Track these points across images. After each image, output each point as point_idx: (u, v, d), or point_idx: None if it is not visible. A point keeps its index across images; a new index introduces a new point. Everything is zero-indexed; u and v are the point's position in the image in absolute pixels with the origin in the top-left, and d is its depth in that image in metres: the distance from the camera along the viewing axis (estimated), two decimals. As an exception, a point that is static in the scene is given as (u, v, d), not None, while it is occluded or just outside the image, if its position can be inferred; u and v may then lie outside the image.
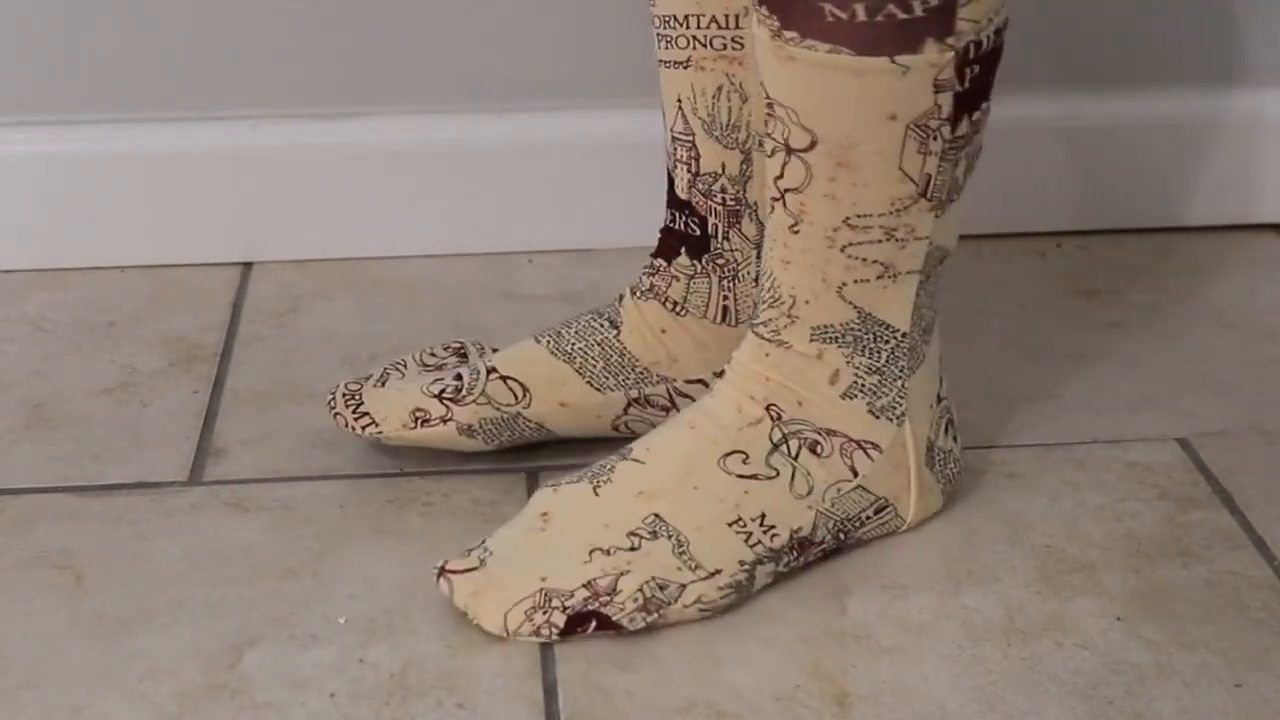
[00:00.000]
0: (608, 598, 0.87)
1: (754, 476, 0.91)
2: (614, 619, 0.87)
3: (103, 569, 0.93)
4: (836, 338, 0.91)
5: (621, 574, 0.88)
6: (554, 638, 0.87)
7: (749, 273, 1.00)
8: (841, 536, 0.93)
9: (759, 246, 0.98)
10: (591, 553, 0.88)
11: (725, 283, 1.00)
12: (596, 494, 0.91)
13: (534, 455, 1.03)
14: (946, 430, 0.96)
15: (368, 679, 0.85)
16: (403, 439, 1.00)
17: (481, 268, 1.27)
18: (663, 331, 1.01)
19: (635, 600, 0.87)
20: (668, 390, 1.01)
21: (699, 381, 1.01)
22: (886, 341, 0.91)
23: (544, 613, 0.87)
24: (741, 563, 0.89)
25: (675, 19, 0.95)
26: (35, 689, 0.84)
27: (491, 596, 0.88)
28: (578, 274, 1.26)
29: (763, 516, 0.90)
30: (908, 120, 0.84)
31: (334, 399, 1.01)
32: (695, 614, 0.88)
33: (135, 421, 1.07)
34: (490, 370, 1.00)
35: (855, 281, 0.89)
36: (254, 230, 1.27)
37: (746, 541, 0.90)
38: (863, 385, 0.92)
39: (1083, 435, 1.05)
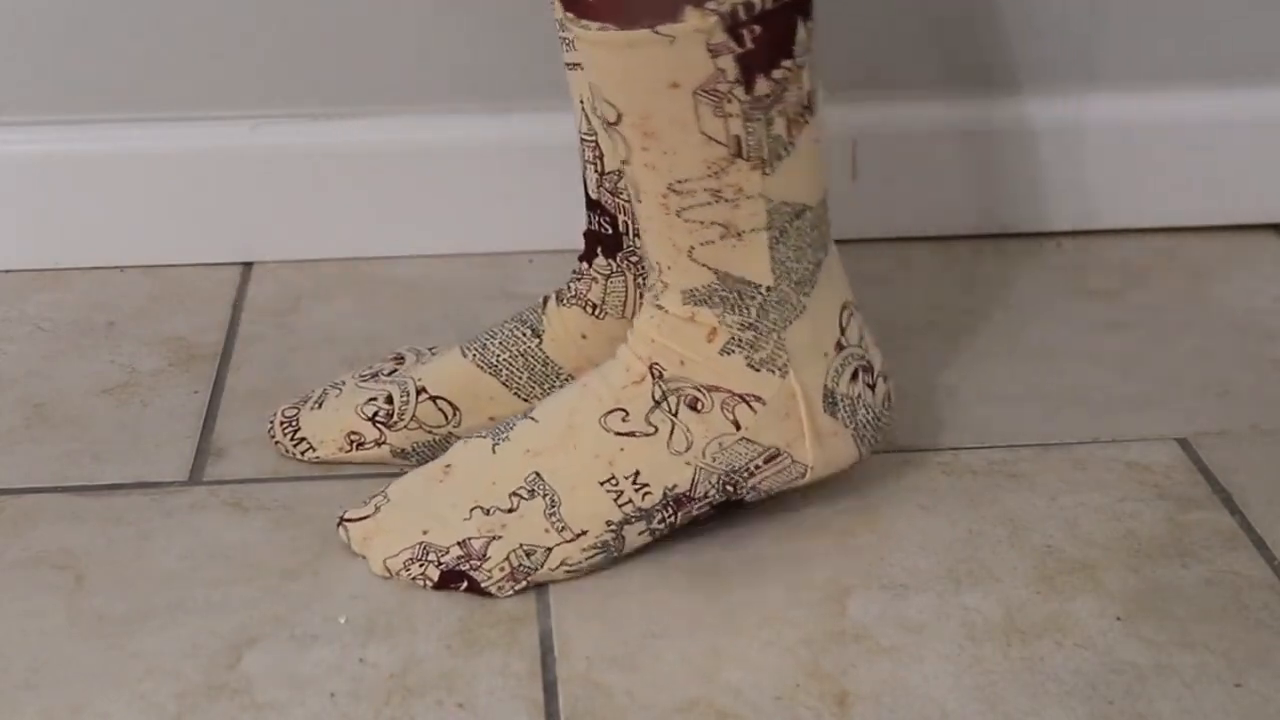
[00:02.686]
0: (478, 562, 0.91)
1: (631, 434, 0.92)
2: (482, 585, 0.91)
3: (103, 569, 0.93)
4: (705, 299, 0.92)
5: (494, 538, 0.91)
6: (428, 587, 0.91)
7: None
8: (731, 489, 0.93)
9: None
10: (472, 510, 0.92)
11: (639, 280, 1.01)
12: (494, 451, 0.94)
13: (534, 455, 1.03)
14: (855, 377, 0.95)
15: (368, 679, 0.85)
16: (340, 460, 1.02)
17: (481, 268, 1.27)
18: (583, 337, 1.02)
19: (502, 569, 0.91)
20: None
21: None
22: (753, 298, 0.92)
23: (420, 565, 0.91)
24: (609, 523, 0.92)
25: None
26: (35, 689, 0.84)
27: (377, 542, 0.93)
28: (578, 274, 1.25)
29: (636, 474, 0.92)
30: (692, 87, 0.85)
31: (273, 426, 1.04)
32: (562, 575, 0.92)
33: (135, 421, 1.07)
34: (420, 391, 1.01)
35: (701, 244, 0.90)
36: (254, 230, 1.27)
37: (616, 501, 0.91)
38: (739, 341, 0.92)
39: (1082, 435, 1.05)
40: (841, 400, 0.95)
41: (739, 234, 0.90)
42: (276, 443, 1.03)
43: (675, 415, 0.92)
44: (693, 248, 0.90)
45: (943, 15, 1.26)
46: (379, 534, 0.93)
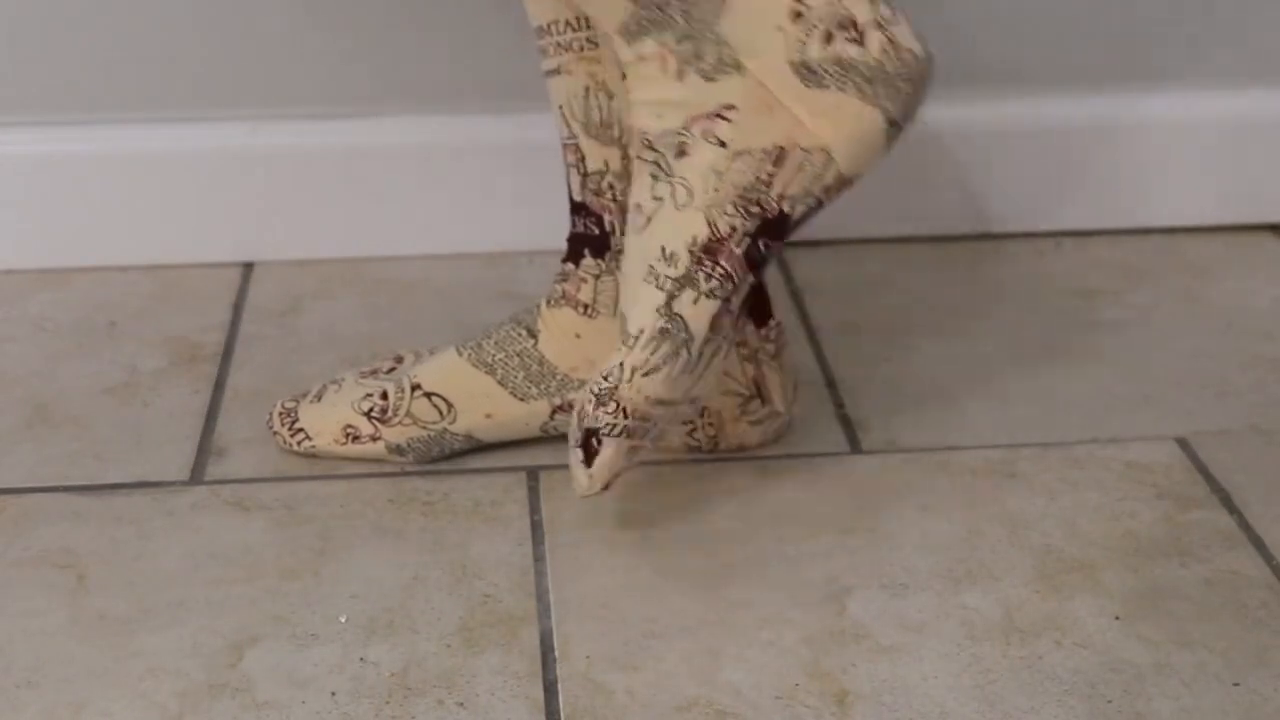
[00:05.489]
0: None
1: (649, 220, 0.89)
2: (588, 426, 0.88)
3: (104, 568, 0.93)
4: (636, 30, 0.87)
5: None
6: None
7: None
8: (758, 209, 0.88)
9: None
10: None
11: None
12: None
13: (534, 455, 1.03)
14: (829, 39, 0.88)
15: (368, 678, 0.85)
16: (336, 453, 1.02)
17: (481, 268, 1.27)
18: (577, 336, 1.02)
19: (590, 401, 0.88)
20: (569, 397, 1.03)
21: None
22: (671, 4, 0.87)
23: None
24: (658, 309, 0.88)
25: (543, 28, 0.98)
26: (37, 688, 0.84)
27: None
28: (578, 274, 1.26)
29: (662, 250, 0.88)
30: None
31: (271, 417, 1.04)
32: (646, 386, 0.87)
33: (137, 421, 1.07)
34: (415, 387, 1.02)
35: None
36: (254, 230, 1.28)
37: (657, 285, 0.88)
38: (684, 56, 0.87)
39: (1082, 435, 1.05)
40: (821, 68, 0.88)
41: None
42: (275, 433, 1.03)
43: (670, 175, 0.88)
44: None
45: (942, 15, 1.26)
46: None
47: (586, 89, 0.98)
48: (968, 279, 1.25)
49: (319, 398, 1.04)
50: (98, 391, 1.11)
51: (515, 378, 1.02)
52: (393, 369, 1.06)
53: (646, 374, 0.87)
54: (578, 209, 1.01)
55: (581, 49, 0.97)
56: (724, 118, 0.88)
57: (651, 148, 0.88)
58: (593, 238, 1.01)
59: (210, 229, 1.27)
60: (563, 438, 1.03)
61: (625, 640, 0.88)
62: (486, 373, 1.02)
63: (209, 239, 1.27)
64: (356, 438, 1.02)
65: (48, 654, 0.87)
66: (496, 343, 1.03)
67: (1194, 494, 0.99)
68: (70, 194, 1.25)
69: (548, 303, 1.03)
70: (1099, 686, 0.84)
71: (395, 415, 1.01)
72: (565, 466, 0.98)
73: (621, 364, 0.87)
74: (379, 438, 1.01)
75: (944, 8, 1.26)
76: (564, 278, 1.02)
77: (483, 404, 1.02)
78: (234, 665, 0.86)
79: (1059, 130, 1.29)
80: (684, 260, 0.87)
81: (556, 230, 1.27)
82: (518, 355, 1.02)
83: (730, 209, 0.88)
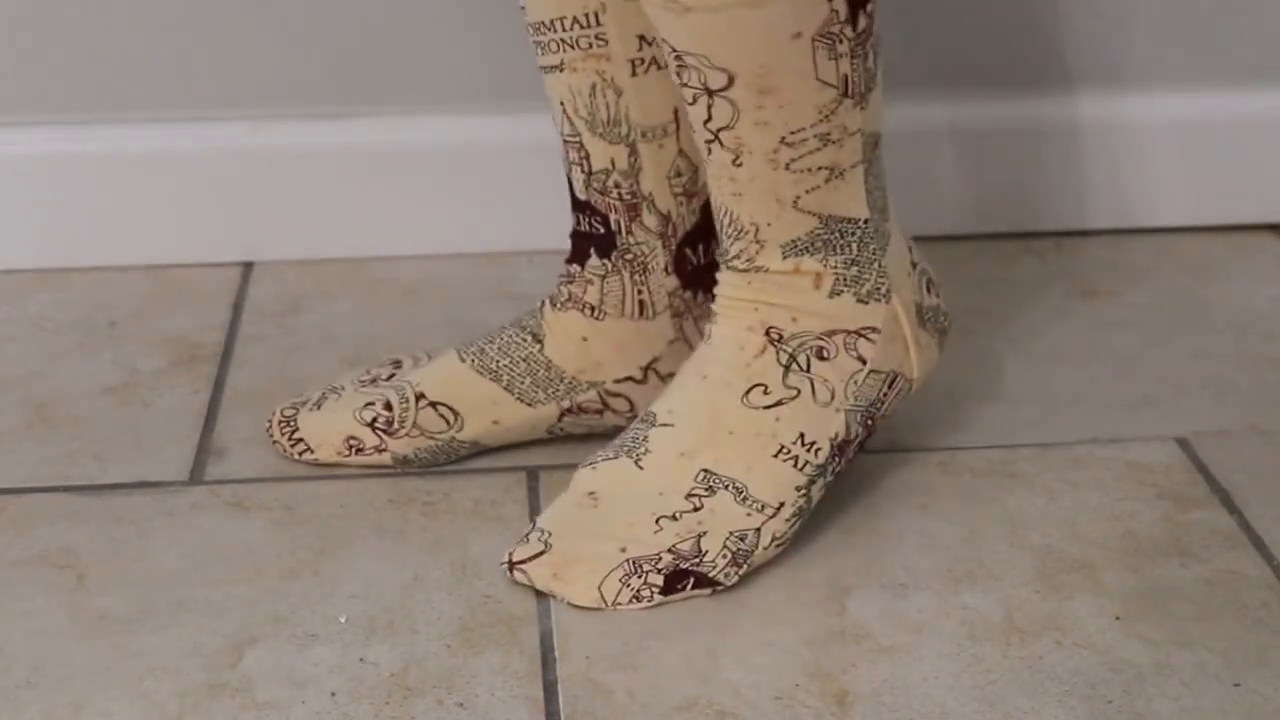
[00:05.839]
0: (697, 559, 0.90)
1: (779, 403, 0.94)
2: (710, 575, 0.90)
3: (104, 568, 0.93)
4: (807, 247, 0.94)
5: (700, 535, 0.91)
6: (654, 600, 0.90)
7: (657, 264, 1.01)
8: (870, 423, 0.96)
9: (663, 236, 1.01)
10: (659, 520, 0.91)
11: (636, 277, 1.01)
12: (640, 466, 0.93)
13: (534, 455, 1.03)
14: (929, 290, 0.99)
15: (368, 678, 0.85)
16: (338, 463, 1.02)
17: (481, 268, 1.27)
18: (584, 339, 1.02)
19: (724, 557, 0.91)
20: (598, 395, 1.02)
21: (628, 379, 1.02)
22: (853, 234, 0.94)
23: (639, 577, 0.90)
24: (798, 489, 0.93)
25: (544, 24, 0.97)
26: (36, 688, 0.84)
27: (576, 573, 0.90)
28: (578, 274, 1.25)
29: (801, 436, 0.93)
30: (812, 34, 0.87)
31: (271, 425, 1.03)
32: (774, 551, 0.93)
33: (136, 421, 1.07)
34: (419, 397, 1.01)
35: (807, 192, 0.92)
36: (254, 230, 1.28)
37: (796, 466, 0.93)
38: (845, 279, 0.95)
39: (1082, 435, 1.05)
40: (927, 312, 0.99)
41: (841, 173, 0.92)
42: (274, 442, 1.03)
43: (809, 371, 0.94)
44: (798, 197, 0.92)
45: (942, 15, 1.26)
46: (573, 564, 0.90)
47: (594, 86, 0.97)
48: (968, 279, 1.25)
49: (318, 405, 1.03)
50: (97, 391, 1.11)
51: (522, 383, 1.01)
52: (392, 375, 1.05)
53: (780, 545, 0.92)
54: (581, 207, 1.01)
55: (590, 46, 0.96)
56: (867, 338, 0.96)
57: (782, 340, 0.94)
58: (598, 237, 1.01)
59: (210, 229, 1.27)
60: (567, 438, 1.03)
61: (625, 640, 0.88)
62: (492, 379, 1.02)
63: (209, 239, 1.27)
64: (360, 449, 1.01)
65: (47, 654, 0.87)
66: (500, 348, 1.02)
67: (1194, 494, 0.99)
68: (70, 194, 1.25)
69: (553, 305, 1.02)
70: (1099, 687, 0.84)
71: (402, 427, 1.01)
72: (565, 466, 0.98)
73: (760, 530, 0.92)
74: (384, 449, 1.01)
75: (944, 7, 1.26)
76: (569, 279, 1.02)
77: (490, 411, 1.01)
78: (234, 665, 0.86)
79: (1059, 130, 1.29)
80: (825, 453, 0.94)
81: (556, 230, 1.27)
82: (524, 360, 1.02)
83: (858, 418, 0.95)
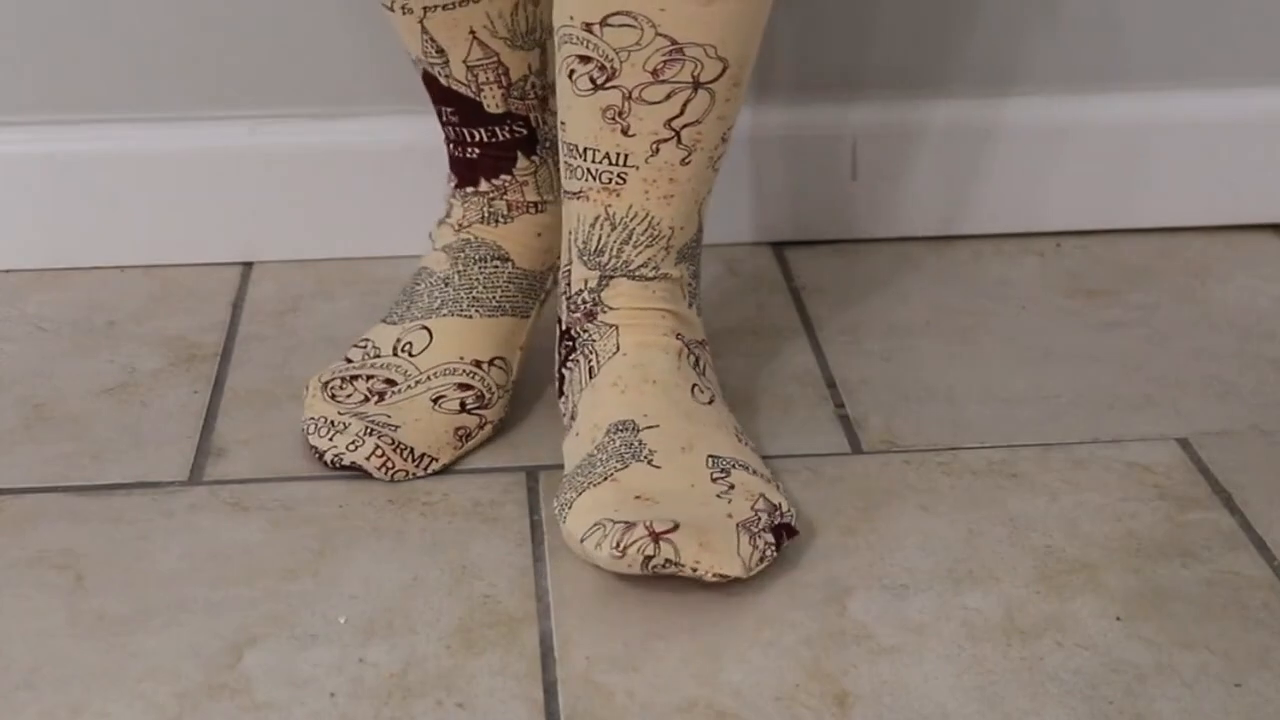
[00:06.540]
0: (779, 512, 0.92)
1: (713, 400, 0.98)
2: (793, 524, 0.92)
3: (103, 569, 0.93)
4: (688, 255, 0.97)
5: (761, 494, 0.92)
6: (772, 557, 0.90)
7: None
8: None
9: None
10: (719, 497, 0.92)
11: (555, 160, 1.06)
12: (655, 465, 0.93)
13: (534, 455, 1.03)
14: None
15: (368, 679, 0.85)
16: (456, 460, 1.03)
17: (481, 268, 1.27)
18: (538, 235, 1.06)
19: (791, 509, 0.93)
20: (555, 277, 1.08)
21: None
22: (699, 243, 0.98)
23: (759, 538, 0.90)
24: (764, 459, 0.98)
25: None
26: (35, 688, 0.84)
27: (716, 542, 0.88)
28: (578, 274, 1.25)
29: (738, 428, 0.98)
30: (763, 26, 0.91)
31: (377, 457, 0.99)
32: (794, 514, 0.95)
33: (135, 421, 1.07)
34: (477, 363, 1.03)
35: (709, 192, 0.95)
36: (254, 230, 1.27)
37: (749, 445, 0.97)
38: (694, 291, 0.99)
39: (1083, 435, 1.05)
40: None
41: (716, 173, 0.95)
42: (394, 471, 1.00)
43: (706, 376, 0.98)
44: (703, 199, 0.95)
45: (942, 15, 1.26)
46: (709, 533, 0.88)
47: (516, 4, 1.00)
48: (968, 279, 1.25)
49: (390, 423, 1.01)
50: (96, 391, 1.11)
51: (520, 303, 1.06)
52: (389, 379, 1.04)
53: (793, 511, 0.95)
54: (498, 120, 1.04)
55: None
56: (707, 349, 1.00)
57: (689, 348, 0.98)
58: (522, 139, 1.05)
59: (209, 229, 1.27)
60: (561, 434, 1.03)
61: (625, 640, 0.87)
62: (504, 315, 1.05)
63: (208, 239, 1.27)
64: (469, 435, 1.02)
65: (46, 654, 0.87)
66: (484, 285, 1.05)
67: (1195, 494, 0.99)
68: (70, 194, 1.25)
69: (495, 221, 1.06)
70: (1100, 687, 0.84)
71: (492, 395, 1.03)
72: (565, 467, 0.98)
73: (779, 488, 0.94)
74: (487, 422, 1.03)
75: (944, 7, 1.26)
76: (500, 192, 1.05)
77: (515, 341, 1.06)
78: (233, 666, 0.86)
79: (1059, 130, 1.29)
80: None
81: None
82: (510, 284, 1.06)
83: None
